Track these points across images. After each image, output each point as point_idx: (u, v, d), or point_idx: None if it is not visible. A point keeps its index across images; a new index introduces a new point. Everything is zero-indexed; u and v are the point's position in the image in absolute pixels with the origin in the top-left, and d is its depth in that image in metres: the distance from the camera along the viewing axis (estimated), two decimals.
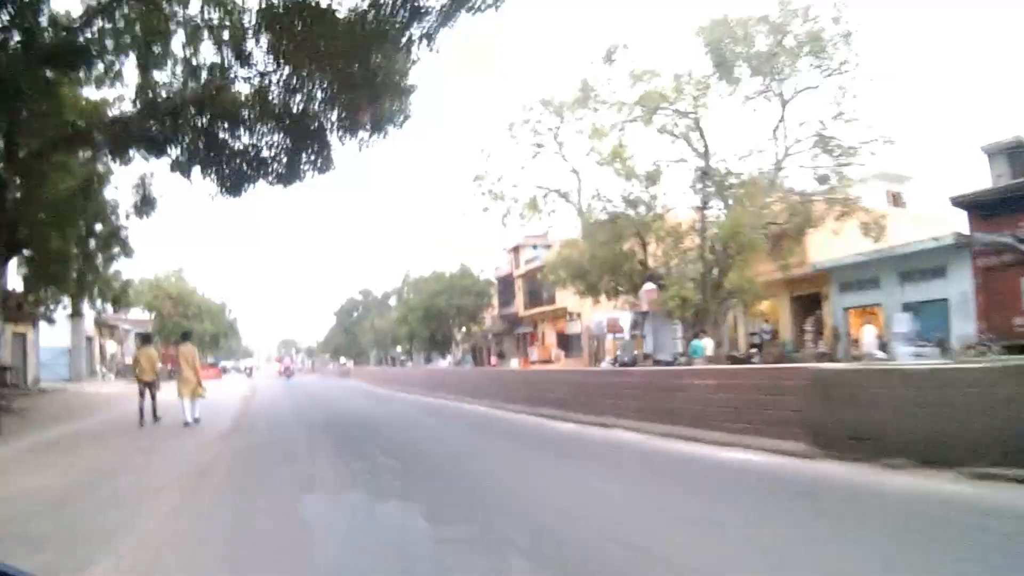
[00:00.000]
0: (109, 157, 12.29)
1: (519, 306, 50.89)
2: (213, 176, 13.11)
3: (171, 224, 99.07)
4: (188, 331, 16.35)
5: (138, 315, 46.57)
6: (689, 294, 21.34)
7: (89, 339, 40.43)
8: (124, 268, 20.58)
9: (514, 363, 48.81)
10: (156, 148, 11.60)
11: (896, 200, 33.29)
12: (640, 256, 24.43)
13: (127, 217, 15.25)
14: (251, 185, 13.19)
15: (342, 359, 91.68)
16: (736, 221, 21.10)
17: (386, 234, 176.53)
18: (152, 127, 11.20)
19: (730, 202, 23.65)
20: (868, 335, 20.98)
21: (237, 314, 58.84)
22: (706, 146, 24.18)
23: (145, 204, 14.42)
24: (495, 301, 54.34)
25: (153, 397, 14.02)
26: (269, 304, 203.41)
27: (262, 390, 34.52)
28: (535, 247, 50.16)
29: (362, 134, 11.79)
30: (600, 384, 13.43)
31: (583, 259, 23.36)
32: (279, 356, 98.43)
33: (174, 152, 12.00)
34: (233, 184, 13.08)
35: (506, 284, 53.46)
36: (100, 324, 41.41)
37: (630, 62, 24.34)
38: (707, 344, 22.72)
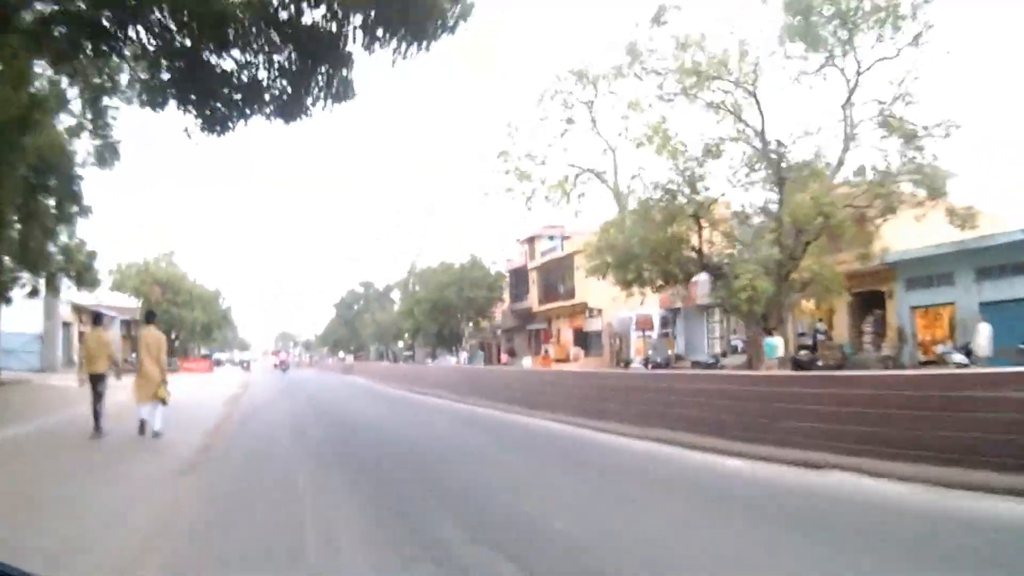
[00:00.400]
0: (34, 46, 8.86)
1: (533, 301, 47.62)
2: (192, 108, 9.77)
3: (148, 191, 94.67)
4: (152, 311, 12.55)
5: (125, 301, 43.08)
6: (764, 284, 18.05)
7: (67, 325, 36.84)
8: (92, 241, 17.19)
9: (527, 361, 45.59)
10: (105, 39, 8.22)
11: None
12: (694, 243, 21.22)
13: (83, 166, 11.85)
14: (242, 121, 9.88)
15: (341, 353, 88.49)
16: (824, 200, 17.92)
17: (389, 223, 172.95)
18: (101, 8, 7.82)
19: (786, 183, 20.49)
20: (983, 335, 17.73)
21: (232, 303, 55.25)
22: (763, 122, 20.98)
23: (107, 150, 11.10)
24: (506, 295, 51.10)
25: (100, 397, 10.54)
26: (267, 297, 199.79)
27: (255, 387, 30.85)
28: (552, 238, 46.99)
29: (396, 43, 8.37)
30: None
31: (631, 243, 20.03)
32: (276, 350, 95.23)
33: (131, 50, 8.71)
34: (218, 118, 9.75)
35: (519, 277, 50.23)
36: (79, 309, 37.71)
37: (679, 27, 21.08)
38: (778, 343, 19.62)
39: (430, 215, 57.40)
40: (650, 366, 30.26)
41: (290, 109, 9.60)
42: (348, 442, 11.59)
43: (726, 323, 32.23)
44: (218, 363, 63.05)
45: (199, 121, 9.81)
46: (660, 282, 22.35)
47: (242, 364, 64.59)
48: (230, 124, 9.76)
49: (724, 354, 30.78)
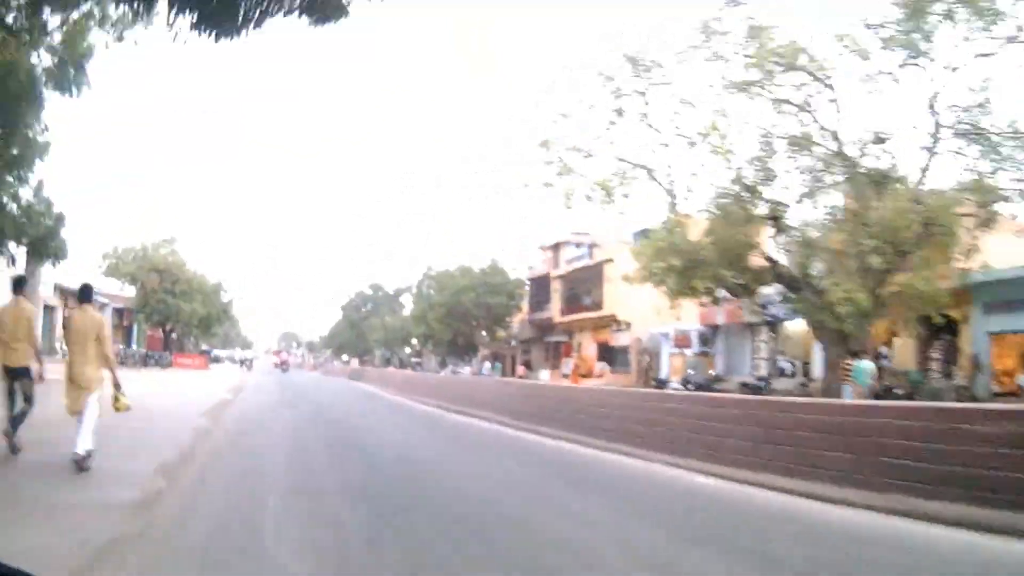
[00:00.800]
0: None
1: (555, 311, 44.79)
2: (190, 9, 7.00)
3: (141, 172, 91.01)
4: (88, 285, 7.72)
5: (118, 288, 40.15)
6: (863, 298, 15.29)
7: (50, 308, 33.13)
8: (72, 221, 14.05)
9: (544, 375, 42.78)
10: None
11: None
12: (766, 249, 18.51)
13: (44, 85, 8.79)
14: (253, 25, 7.12)
15: (344, 356, 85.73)
16: (929, 203, 15.26)
17: (401, 225, 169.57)
18: None
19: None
20: None
21: (234, 298, 51.74)
22: (839, 121, 18.24)
23: (73, 68, 8.31)
24: (524, 304, 48.32)
25: (27, 399, 7.44)
26: (271, 296, 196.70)
27: (252, 390, 27.57)
28: (579, 245, 44.27)
29: None
30: None
31: (703, 245, 17.32)
32: (277, 350, 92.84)
33: None
34: (224, 17, 6.99)
35: (540, 286, 47.45)
36: (65, 293, 34.65)
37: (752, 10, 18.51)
38: (870, 368, 16.79)
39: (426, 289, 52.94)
40: (690, 387, 27.47)
41: (322, 3, 6.82)
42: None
43: (774, 343, 29.38)
44: (216, 360, 59.96)
45: (195, 21, 7.02)
46: (724, 293, 19.72)
47: (243, 363, 61.58)
48: (239, 24, 6.99)
49: (769, 376, 27.97)
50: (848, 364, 17.35)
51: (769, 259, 18.35)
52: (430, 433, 16.17)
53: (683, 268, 17.53)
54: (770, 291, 21.93)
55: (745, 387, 26.06)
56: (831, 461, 8.17)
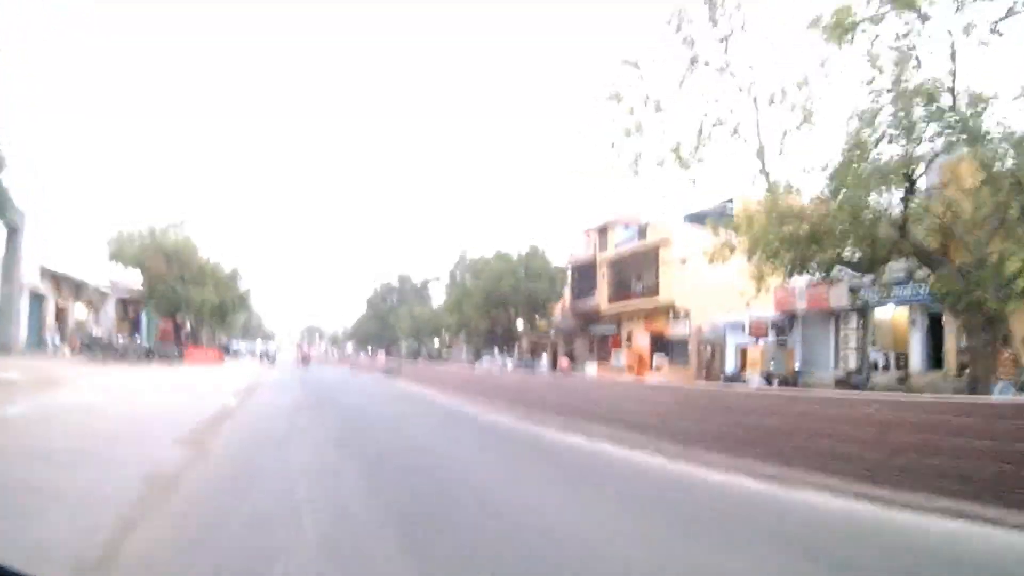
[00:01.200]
0: None
1: (601, 299, 41.46)
2: None
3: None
4: None
5: (123, 275, 36.86)
6: None
7: (39, 296, 29.40)
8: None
9: (591, 369, 39.50)
10: None
11: None
12: (896, 215, 15.11)
13: None
14: None
15: (369, 349, 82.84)
16: None
17: (432, 210, 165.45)
18: None
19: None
20: None
21: (252, 286, 47.05)
22: (955, 74, 14.64)
23: None
24: (565, 292, 45.00)
25: None
26: (295, 288, 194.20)
27: (267, 390, 23.50)
28: (628, 227, 40.88)
29: None
30: None
31: (831, 210, 14.10)
32: (299, 343, 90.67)
33: None
34: None
35: (583, 272, 44.14)
36: (57, 278, 30.57)
37: None
38: None
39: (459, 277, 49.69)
40: (776, 382, 24.16)
41: None
42: None
43: (863, 332, 25.88)
44: (235, 353, 56.69)
45: None
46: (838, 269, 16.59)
47: (264, 356, 57.61)
48: None
49: (859, 371, 24.60)
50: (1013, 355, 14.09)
51: (901, 227, 14.96)
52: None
53: (809, 236, 14.29)
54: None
55: (843, 383, 22.80)
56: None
